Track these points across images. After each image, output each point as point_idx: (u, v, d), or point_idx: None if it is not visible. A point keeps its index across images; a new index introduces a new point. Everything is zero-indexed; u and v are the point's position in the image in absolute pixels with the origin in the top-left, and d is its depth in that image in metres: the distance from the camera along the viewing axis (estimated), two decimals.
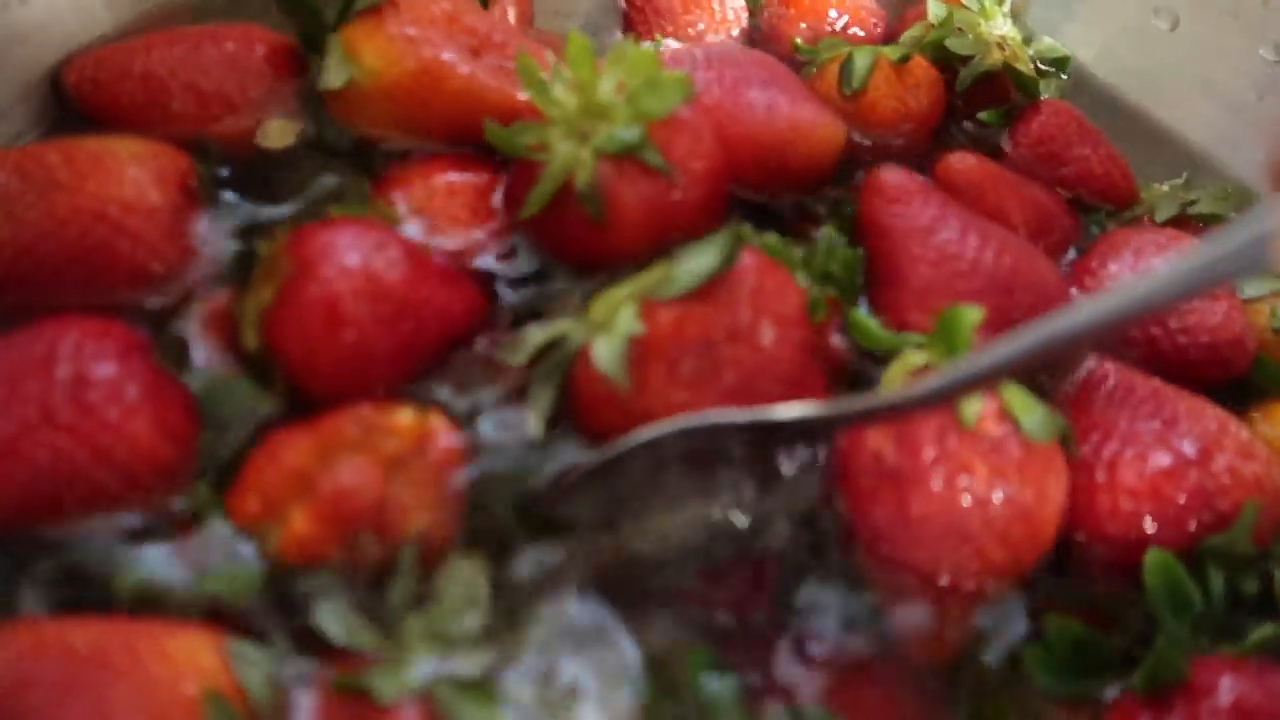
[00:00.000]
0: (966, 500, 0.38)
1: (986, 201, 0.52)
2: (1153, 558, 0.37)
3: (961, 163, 0.53)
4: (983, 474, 0.38)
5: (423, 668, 0.34)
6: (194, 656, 0.33)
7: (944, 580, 0.38)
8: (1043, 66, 0.63)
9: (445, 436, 0.39)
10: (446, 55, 0.47)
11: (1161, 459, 0.40)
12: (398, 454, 0.38)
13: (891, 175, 0.48)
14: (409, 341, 0.41)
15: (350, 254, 0.40)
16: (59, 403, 0.35)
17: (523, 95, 0.47)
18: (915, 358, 0.41)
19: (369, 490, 0.37)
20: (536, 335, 0.42)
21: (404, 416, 0.39)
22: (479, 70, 0.48)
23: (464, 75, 0.48)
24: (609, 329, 0.40)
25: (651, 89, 0.43)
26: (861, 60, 0.57)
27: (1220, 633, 0.37)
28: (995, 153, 0.58)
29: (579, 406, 0.41)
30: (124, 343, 0.37)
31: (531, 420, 0.41)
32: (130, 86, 0.48)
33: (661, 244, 0.44)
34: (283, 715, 0.33)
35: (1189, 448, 0.40)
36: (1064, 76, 0.64)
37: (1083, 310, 0.33)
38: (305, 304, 0.39)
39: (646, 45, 0.49)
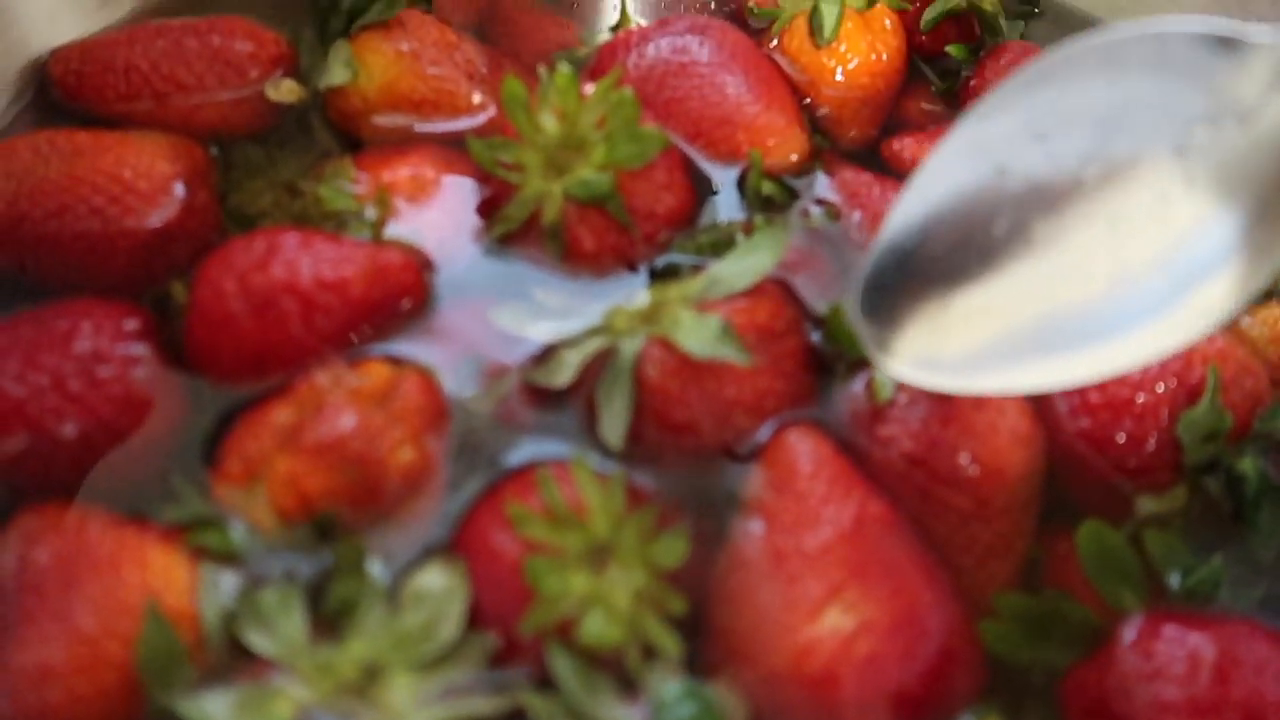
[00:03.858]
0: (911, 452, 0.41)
1: None
2: (1086, 529, 0.37)
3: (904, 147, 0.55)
4: (915, 430, 0.41)
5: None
6: (168, 570, 0.34)
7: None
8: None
9: (421, 381, 0.40)
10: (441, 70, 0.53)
11: None
12: (374, 391, 0.39)
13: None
14: (296, 331, 0.42)
15: (236, 258, 0.42)
16: (70, 373, 0.39)
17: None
18: None
19: (349, 418, 0.37)
20: (575, 354, 0.42)
21: (376, 365, 0.40)
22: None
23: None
24: (684, 326, 0.41)
25: (630, 139, 0.46)
26: (829, 10, 0.58)
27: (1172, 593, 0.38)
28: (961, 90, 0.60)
29: (652, 409, 0.41)
30: (136, 325, 0.41)
31: (612, 435, 0.41)
32: (113, 80, 0.51)
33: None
34: (231, 649, 0.35)
35: None
36: (1036, 10, 0.65)
37: None
38: (194, 309, 0.42)
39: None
